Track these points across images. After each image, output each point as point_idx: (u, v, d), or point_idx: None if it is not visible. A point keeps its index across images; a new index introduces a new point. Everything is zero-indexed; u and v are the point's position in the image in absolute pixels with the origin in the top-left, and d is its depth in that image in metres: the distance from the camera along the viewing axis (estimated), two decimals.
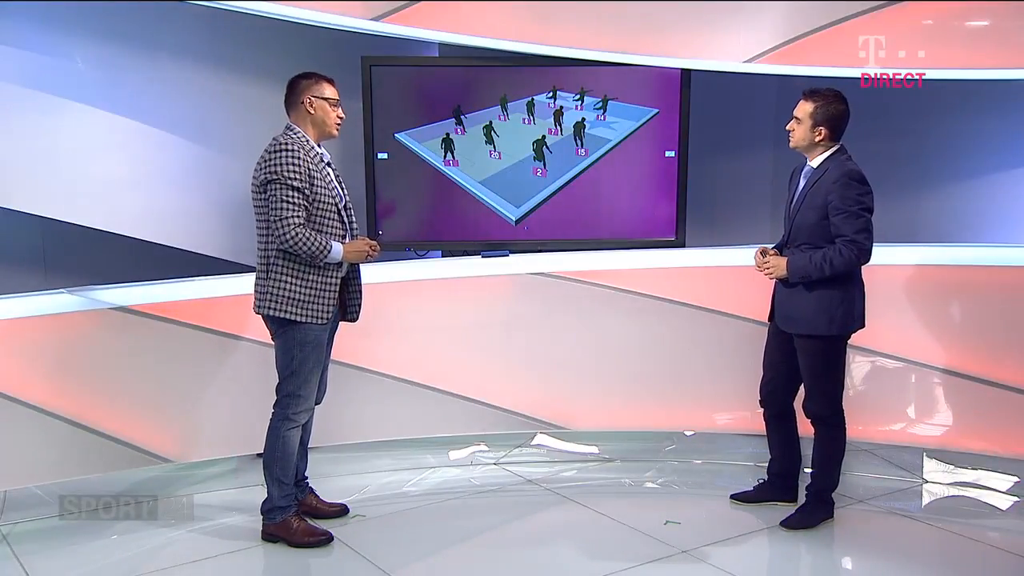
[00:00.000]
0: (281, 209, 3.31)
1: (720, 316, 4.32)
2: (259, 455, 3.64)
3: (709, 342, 4.34)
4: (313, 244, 3.33)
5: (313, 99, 3.43)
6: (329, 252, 3.37)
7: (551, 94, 4.47)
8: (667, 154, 4.51)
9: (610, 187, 4.55)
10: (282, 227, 3.31)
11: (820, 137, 3.51)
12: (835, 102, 3.49)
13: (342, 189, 3.55)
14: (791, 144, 3.59)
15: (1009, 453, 4.11)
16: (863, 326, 3.60)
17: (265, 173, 3.34)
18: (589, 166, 4.53)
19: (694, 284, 4.36)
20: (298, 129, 3.44)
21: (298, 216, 3.32)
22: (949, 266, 4.17)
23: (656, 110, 4.48)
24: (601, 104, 4.47)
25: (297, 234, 3.30)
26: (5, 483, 3.76)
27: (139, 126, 4.19)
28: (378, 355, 4.24)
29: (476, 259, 4.43)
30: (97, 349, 3.81)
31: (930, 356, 4.18)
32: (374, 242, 3.53)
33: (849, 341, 3.63)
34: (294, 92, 3.46)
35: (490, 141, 4.48)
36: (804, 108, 3.52)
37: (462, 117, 4.45)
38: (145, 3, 4.07)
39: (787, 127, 3.59)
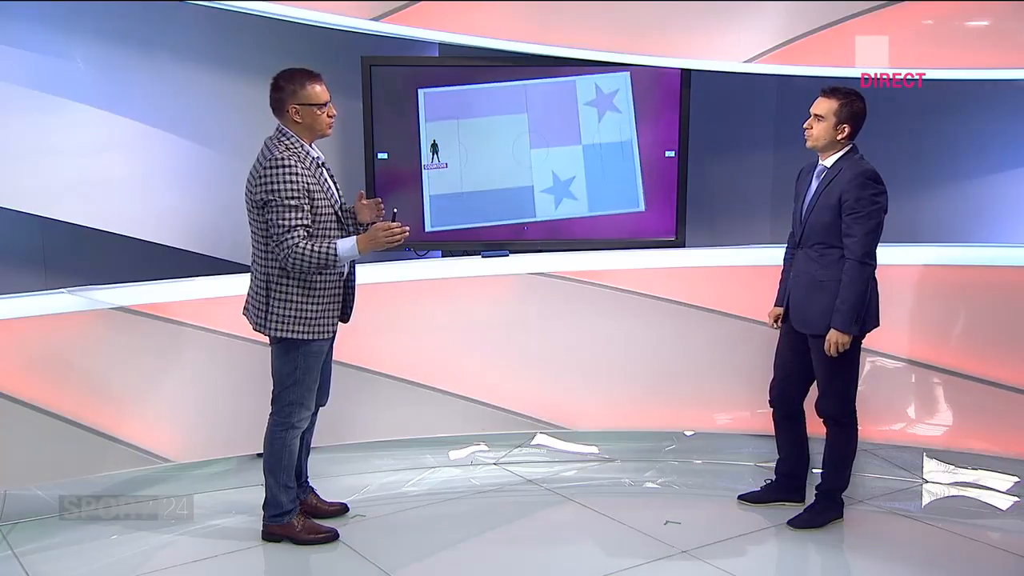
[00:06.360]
0: (281, 231, 3.20)
1: (720, 316, 4.32)
2: (259, 455, 3.63)
3: (709, 342, 4.34)
4: (317, 256, 3.21)
5: (298, 107, 3.29)
6: (336, 253, 3.25)
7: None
8: (667, 154, 4.51)
9: (614, 175, 4.55)
10: (283, 249, 3.21)
11: (843, 135, 3.50)
12: (857, 100, 3.49)
13: (337, 191, 3.49)
14: (809, 143, 3.56)
15: (1009, 453, 4.11)
16: (878, 324, 3.60)
17: (262, 193, 3.23)
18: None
19: (694, 284, 4.36)
20: (290, 133, 3.32)
21: (298, 235, 3.20)
22: (949, 266, 4.17)
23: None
24: (597, 96, 4.47)
25: (299, 253, 3.19)
26: (5, 483, 3.77)
27: (139, 126, 4.19)
28: (378, 355, 4.24)
29: (476, 259, 4.43)
30: (97, 349, 3.81)
31: (930, 356, 4.19)
32: (394, 224, 3.26)
33: None
34: (278, 99, 3.31)
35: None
36: (827, 105, 3.49)
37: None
38: (145, 3, 4.07)
39: (805, 125, 3.55)
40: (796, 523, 3.70)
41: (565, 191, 4.51)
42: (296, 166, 3.25)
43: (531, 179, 4.50)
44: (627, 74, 4.42)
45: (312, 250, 3.22)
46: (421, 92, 4.40)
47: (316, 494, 3.81)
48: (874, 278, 3.54)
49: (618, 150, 4.51)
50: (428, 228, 4.49)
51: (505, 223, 4.53)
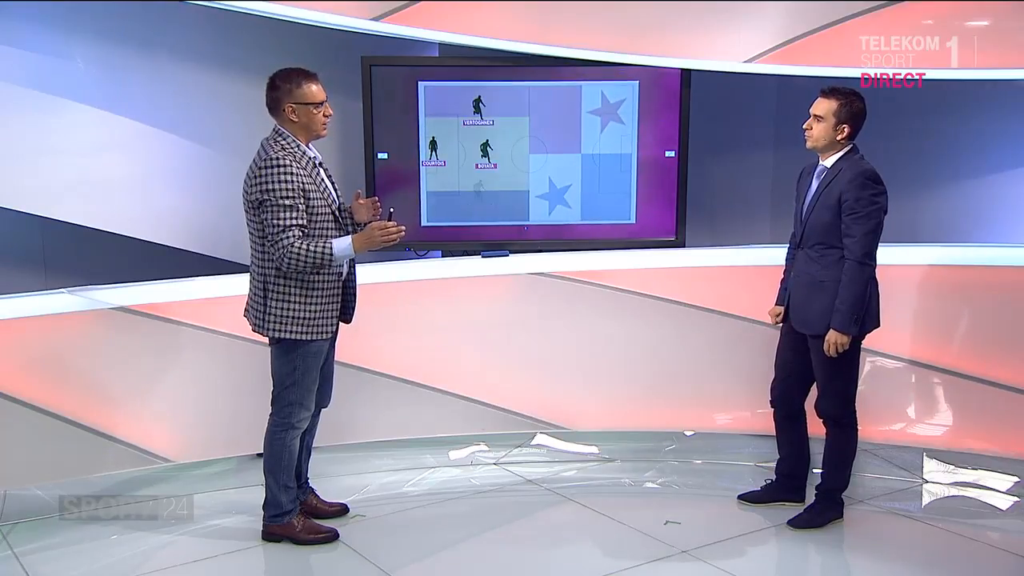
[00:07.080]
0: (276, 231, 3.20)
1: (720, 316, 4.32)
2: (259, 455, 3.63)
3: (709, 342, 4.34)
4: (312, 255, 3.20)
5: (295, 106, 3.29)
6: (332, 253, 3.24)
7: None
8: (667, 154, 4.51)
9: (610, 187, 4.55)
10: (278, 249, 3.20)
11: (842, 136, 3.49)
12: (857, 100, 3.49)
13: (335, 191, 3.48)
14: (809, 144, 3.56)
15: (1009, 453, 4.11)
16: (878, 325, 3.60)
17: (257, 192, 3.23)
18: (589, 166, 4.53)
19: (694, 284, 4.36)
20: (286, 133, 3.32)
21: (293, 235, 3.20)
22: (949, 266, 4.17)
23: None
24: (602, 104, 4.47)
25: (294, 253, 3.18)
26: (5, 483, 3.77)
27: (139, 126, 4.19)
28: (378, 355, 4.24)
29: (476, 259, 4.43)
30: (97, 349, 3.81)
31: (930, 356, 4.19)
32: (390, 224, 3.27)
33: None
34: (274, 98, 3.31)
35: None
36: (827, 106, 3.49)
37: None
38: (146, 3, 4.07)
39: (804, 125, 3.55)
40: (796, 523, 3.70)
41: (560, 199, 4.52)
42: (291, 166, 3.24)
43: (527, 184, 4.50)
44: (635, 84, 4.42)
45: (307, 250, 3.21)
46: (421, 85, 4.40)
47: (316, 494, 3.81)
48: (874, 278, 3.54)
49: (616, 162, 4.51)
50: (423, 223, 4.50)
51: (499, 224, 4.53)
